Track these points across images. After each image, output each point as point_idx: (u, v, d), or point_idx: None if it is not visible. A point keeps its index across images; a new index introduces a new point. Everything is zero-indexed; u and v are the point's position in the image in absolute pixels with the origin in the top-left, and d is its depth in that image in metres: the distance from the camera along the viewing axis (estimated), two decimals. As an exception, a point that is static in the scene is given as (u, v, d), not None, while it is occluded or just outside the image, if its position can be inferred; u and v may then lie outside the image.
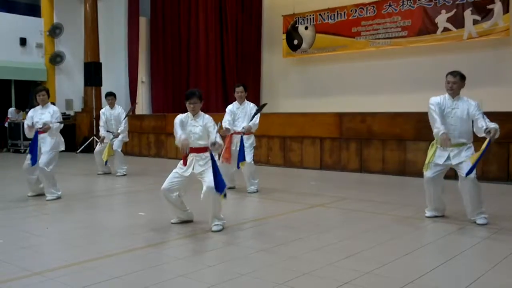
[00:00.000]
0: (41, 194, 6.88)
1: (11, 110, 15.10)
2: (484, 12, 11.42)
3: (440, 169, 5.31)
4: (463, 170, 5.09)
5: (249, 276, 3.62)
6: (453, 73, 5.27)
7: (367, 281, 3.49)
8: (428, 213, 5.53)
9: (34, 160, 6.57)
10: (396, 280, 3.48)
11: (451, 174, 5.35)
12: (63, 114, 14.21)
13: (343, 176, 9.38)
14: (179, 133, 4.95)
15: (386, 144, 9.43)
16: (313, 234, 4.83)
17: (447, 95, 5.29)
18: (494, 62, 11.62)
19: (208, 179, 4.79)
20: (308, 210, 6.12)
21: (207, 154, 4.96)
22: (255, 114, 7.19)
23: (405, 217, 5.60)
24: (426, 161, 5.39)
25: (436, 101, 5.27)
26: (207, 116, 5.11)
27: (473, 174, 5.03)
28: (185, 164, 4.99)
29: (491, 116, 5.27)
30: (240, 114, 7.25)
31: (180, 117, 5.08)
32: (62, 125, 6.99)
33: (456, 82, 5.22)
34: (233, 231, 4.97)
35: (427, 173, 5.36)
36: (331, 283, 3.43)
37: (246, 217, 5.84)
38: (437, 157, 5.29)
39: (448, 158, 5.23)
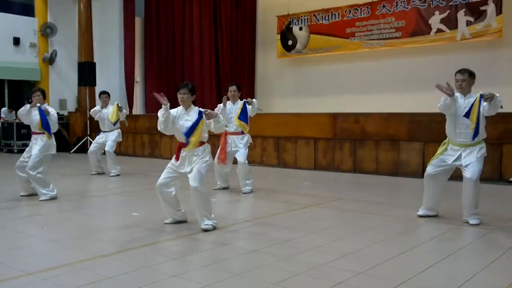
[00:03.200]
0: (33, 194, 6.84)
1: (4, 109, 15.02)
2: (477, 14, 11.47)
3: (443, 167, 5.27)
4: (468, 171, 5.07)
5: (243, 277, 3.62)
6: (461, 71, 5.24)
7: (360, 281, 3.50)
8: (420, 212, 5.54)
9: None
10: (389, 280, 3.50)
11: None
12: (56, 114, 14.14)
13: (337, 177, 9.40)
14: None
15: (379, 145, 9.46)
16: (307, 234, 4.84)
17: (458, 95, 5.24)
18: (487, 63, 11.65)
19: (193, 177, 4.79)
20: (302, 210, 6.13)
21: (201, 149, 4.95)
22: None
23: (399, 217, 5.62)
24: (433, 157, 5.38)
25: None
26: (201, 110, 5.06)
27: (475, 176, 5.03)
28: (177, 159, 4.97)
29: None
30: (233, 114, 7.22)
31: (172, 110, 5.06)
32: (57, 125, 6.96)
33: (465, 80, 5.19)
34: (226, 232, 4.97)
35: (428, 169, 5.35)
36: (324, 283, 3.44)
37: (240, 217, 5.84)
38: (447, 155, 5.25)
39: (459, 157, 5.17)
